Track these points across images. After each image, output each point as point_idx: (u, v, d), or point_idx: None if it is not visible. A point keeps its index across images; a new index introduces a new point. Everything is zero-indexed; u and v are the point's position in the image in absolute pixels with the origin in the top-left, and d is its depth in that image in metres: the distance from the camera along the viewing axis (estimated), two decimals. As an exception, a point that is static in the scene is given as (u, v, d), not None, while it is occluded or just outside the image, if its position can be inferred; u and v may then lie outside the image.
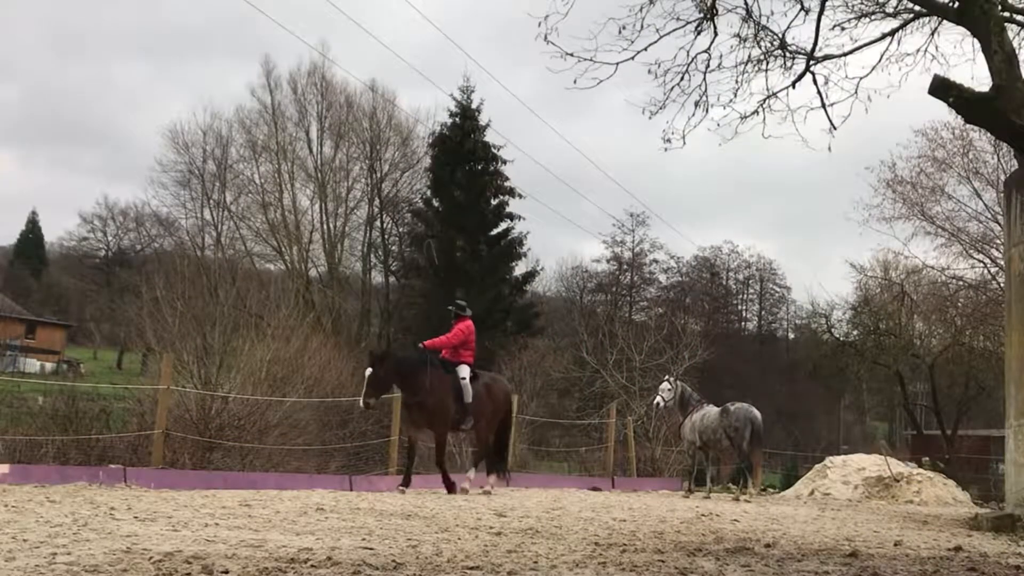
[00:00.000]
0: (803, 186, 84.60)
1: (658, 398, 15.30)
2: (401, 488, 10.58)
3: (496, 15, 75.10)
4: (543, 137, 77.84)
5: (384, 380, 10.73)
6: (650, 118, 12.54)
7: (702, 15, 12.06)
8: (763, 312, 70.67)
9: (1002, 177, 24.06)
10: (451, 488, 10.88)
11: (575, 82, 11.88)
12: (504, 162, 39.78)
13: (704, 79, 12.39)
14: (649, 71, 12.19)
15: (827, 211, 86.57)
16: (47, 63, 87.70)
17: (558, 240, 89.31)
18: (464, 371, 11.17)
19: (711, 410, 14.67)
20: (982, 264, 31.24)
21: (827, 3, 12.14)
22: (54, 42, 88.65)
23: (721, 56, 12.39)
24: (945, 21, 12.08)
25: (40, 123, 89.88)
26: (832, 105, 12.60)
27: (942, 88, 10.35)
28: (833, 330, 38.19)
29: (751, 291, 70.30)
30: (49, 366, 51.80)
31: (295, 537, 5.88)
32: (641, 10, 11.67)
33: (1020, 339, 10.41)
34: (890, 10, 12.88)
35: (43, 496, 7.69)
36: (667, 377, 15.89)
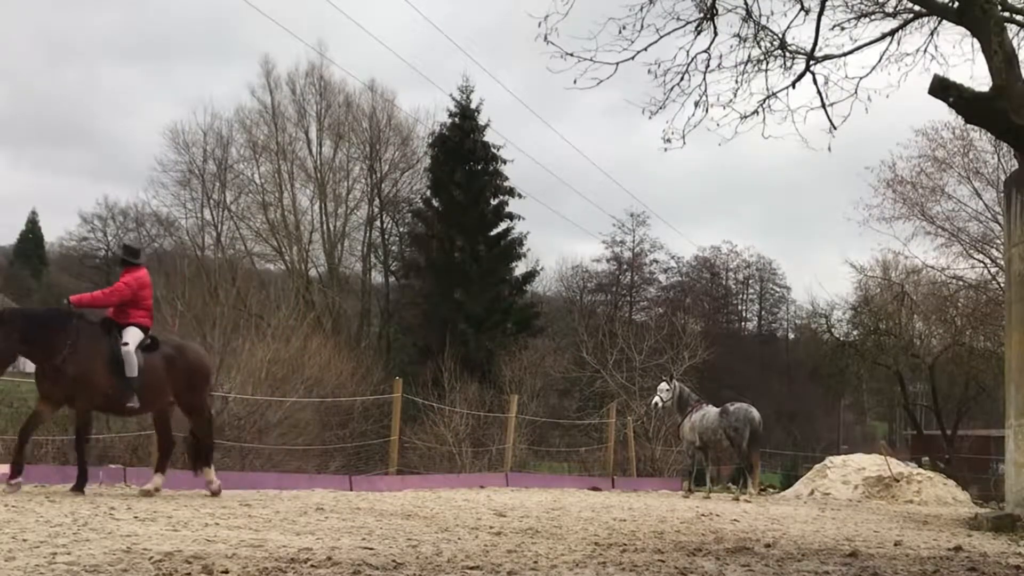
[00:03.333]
0: (787, 187, 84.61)
1: (656, 399, 15.26)
2: (13, 483, 7.93)
3: (477, 18, 75.14)
4: (524, 138, 77.66)
5: (7, 344, 8.16)
6: (650, 118, 12.56)
7: (702, 15, 12.07)
8: (763, 312, 70.69)
9: (1002, 177, 24.05)
10: (80, 484, 8.39)
11: (575, 82, 11.90)
12: (504, 162, 39.80)
13: (704, 79, 12.41)
14: (649, 71, 12.21)
15: (813, 211, 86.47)
16: (42, 64, 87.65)
17: (546, 239, 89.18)
18: (131, 335, 8.58)
19: (711, 410, 14.66)
20: (982, 264, 31.26)
21: (827, 3, 12.16)
22: (49, 44, 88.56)
23: (721, 56, 12.41)
24: (945, 21, 12.09)
25: (37, 124, 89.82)
26: (832, 105, 12.62)
27: (942, 88, 10.35)
28: (833, 330, 38.22)
29: (751, 291, 70.34)
30: (49, 366, 51.71)
31: (295, 537, 5.88)
32: (641, 10, 11.69)
33: (1020, 339, 10.41)
34: (890, 10, 12.90)
35: (43, 496, 7.69)
36: (665, 377, 15.86)
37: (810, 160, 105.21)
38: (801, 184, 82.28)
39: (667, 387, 15.09)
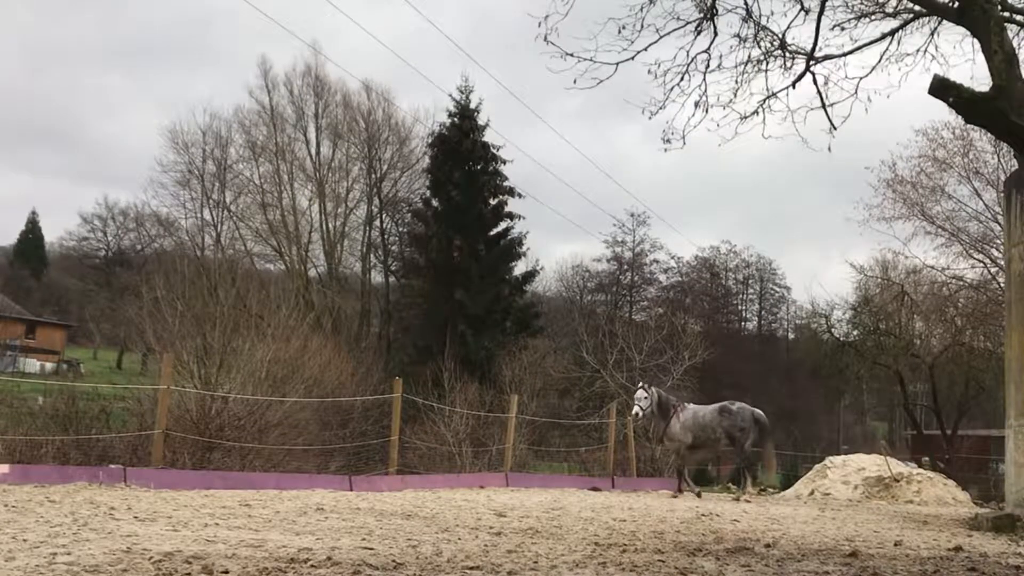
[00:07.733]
0: (773, 188, 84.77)
1: (636, 408, 14.42)
2: None
3: (462, 21, 75.42)
4: (511, 139, 77.47)
5: None
6: (650, 118, 12.58)
7: (702, 15, 12.08)
8: (763, 312, 70.76)
9: (1002, 177, 24.06)
10: None
11: (575, 82, 11.90)
12: (503, 162, 39.81)
13: (704, 79, 12.41)
14: (649, 71, 12.22)
15: (799, 211, 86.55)
16: (43, 67, 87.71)
17: (537, 238, 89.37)
18: None
19: (703, 409, 14.53)
20: (982, 264, 31.26)
21: (827, 3, 12.16)
22: (50, 47, 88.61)
23: (721, 56, 12.42)
24: (945, 21, 12.09)
25: (38, 126, 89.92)
26: (832, 105, 12.63)
27: (942, 88, 10.35)
28: (833, 330, 38.21)
29: (751, 291, 70.40)
30: (49, 366, 51.79)
31: (295, 537, 5.88)
32: (641, 10, 11.69)
33: (1020, 339, 10.40)
34: (890, 10, 12.91)
35: (43, 496, 7.68)
36: (641, 384, 15.08)
37: (799, 160, 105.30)
38: (789, 184, 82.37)
39: (644, 394, 14.38)
